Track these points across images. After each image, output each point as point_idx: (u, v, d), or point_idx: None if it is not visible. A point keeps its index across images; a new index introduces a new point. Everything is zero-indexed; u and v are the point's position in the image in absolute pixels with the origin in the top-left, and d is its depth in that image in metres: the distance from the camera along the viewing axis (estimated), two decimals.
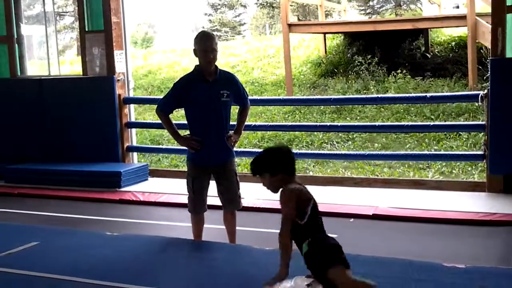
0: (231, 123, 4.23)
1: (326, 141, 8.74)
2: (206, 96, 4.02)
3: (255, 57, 14.65)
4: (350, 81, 10.97)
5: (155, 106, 4.40)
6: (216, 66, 4.10)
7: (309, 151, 7.27)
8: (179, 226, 5.08)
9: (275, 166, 2.95)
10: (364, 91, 10.25)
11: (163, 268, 3.46)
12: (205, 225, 4.33)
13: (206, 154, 4.07)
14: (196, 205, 4.20)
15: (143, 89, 12.91)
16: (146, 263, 3.54)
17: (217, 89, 4.04)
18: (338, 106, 9.51)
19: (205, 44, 4.01)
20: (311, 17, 23.38)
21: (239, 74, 12.49)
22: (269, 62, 14.05)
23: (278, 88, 11.87)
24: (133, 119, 7.47)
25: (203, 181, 4.15)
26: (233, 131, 4.24)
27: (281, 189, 2.93)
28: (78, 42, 7.42)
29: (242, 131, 4.38)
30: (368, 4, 24.76)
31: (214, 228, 4.60)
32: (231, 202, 4.21)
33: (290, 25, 11.32)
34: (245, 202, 4.36)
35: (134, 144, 7.47)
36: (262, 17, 30.60)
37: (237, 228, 4.33)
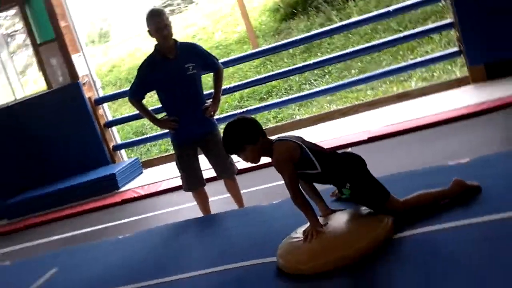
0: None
1: (304, 82, 8.69)
2: (171, 74, 3.94)
3: (212, 21, 14.43)
4: (311, 18, 10.83)
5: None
6: (174, 41, 4.00)
7: (290, 97, 7.19)
8: (186, 207, 5.07)
9: (252, 134, 2.74)
10: (328, 23, 10.13)
11: (181, 253, 3.45)
12: (211, 198, 4.33)
13: (184, 130, 4.04)
14: (189, 182, 4.19)
15: (112, 85, 12.73)
16: (164, 254, 3.52)
17: (180, 64, 3.95)
18: (307, 44, 9.39)
19: (156, 21, 3.91)
20: None
21: (201, 42, 12.28)
22: (227, 22, 13.84)
23: (243, 45, 11.73)
24: (110, 118, 7.37)
25: (190, 156, 4.12)
26: (210, 100, 4.17)
27: (272, 156, 2.75)
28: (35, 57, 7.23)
29: (220, 96, 4.24)
30: None
31: (221, 198, 4.59)
32: (224, 170, 4.19)
33: None
34: (240, 165, 4.33)
35: (119, 141, 7.40)
36: None
37: (242, 191, 4.33)
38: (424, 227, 2.52)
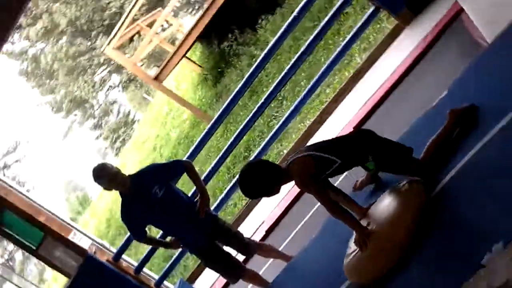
0: None
1: (269, 119, 8.80)
2: (146, 208, 3.98)
3: (160, 125, 14.63)
4: (238, 65, 11.06)
5: None
6: (129, 177, 4.00)
7: (267, 138, 7.22)
8: None
9: (275, 173, 2.81)
10: (253, 60, 10.37)
11: None
12: (260, 271, 4.35)
13: (192, 240, 4.12)
14: (231, 273, 4.22)
15: (118, 234, 12.70)
16: None
17: (146, 193, 3.94)
18: (251, 88, 9.55)
19: (104, 180, 3.98)
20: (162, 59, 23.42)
21: (164, 149, 12.44)
22: (172, 118, 14.05)
23: (199, 126, 11.89)
24: (135, 264, 7.30)
25: (215, 255, 4.14)
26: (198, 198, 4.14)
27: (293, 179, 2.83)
28: None
29: (204, 188, 4.23)
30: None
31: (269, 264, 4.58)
32: (247, 248, 4.24)
33: (156, 78, 11.31)
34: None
35: (156, 277, 7.30)
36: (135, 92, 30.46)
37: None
38: (449, 173, 2.57)
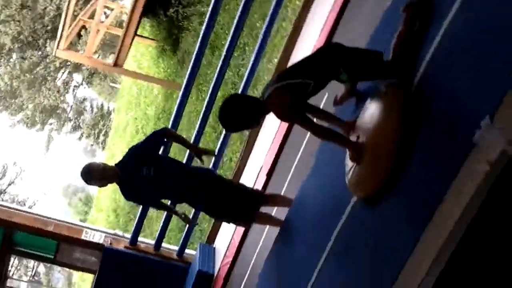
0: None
1: (240, 66, 8.82)
2: (144, 188, 4.06)
3: (135, 111, 14.57)
4: (190, 26, 10.91)
5: None
6: (115, 170, 4.02)
7: (243, 82, 7.22)
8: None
9: (251, 114, 2.87)
10: (204, 17, 10.27)
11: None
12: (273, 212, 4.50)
13: (197, 201, 4.22)
14: (245, 218, 4.31)
15: (130, 219, 12.86)
16: None
17: (138, 177, 3.99)
18: (211, 45, 9.51)
19: (94, 181, 4.04)
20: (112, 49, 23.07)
21: (147, 128, 12.46)
22: (145, 97, 14.00)
23: (171, 95, 11.88)
24: (152, 242, 7.48)
25: (223, 208, 4.20)
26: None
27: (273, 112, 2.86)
28: None
29: (190, 143, 4.45)
30: None
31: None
32: (255, 197, 4.32)
33: (116, 64, 11.18)
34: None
35: (176, 248, 7.48)
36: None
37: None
38: (423, 62, 2.57)
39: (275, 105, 2.80)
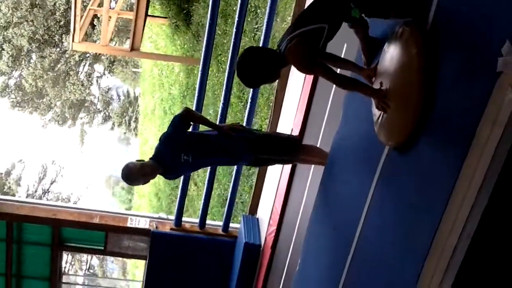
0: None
1: (255, 30, 8.66)
2: (188, 170, 4.31)
3: (160, 92, 14.56)
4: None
5: None
6: (153, 165, 3.92)
7: (260, 44, 7.15)
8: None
9: (270, 67, 2.80)
10: None
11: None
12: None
13: (239, 161, 4.24)
14: (291, 147, 4.24)
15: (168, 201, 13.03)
16: None
17: (179, 165, 3.96)
18: (223, 13, 9.37)
19: (136, 182, 3.96)
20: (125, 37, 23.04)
21: (175, 107, 12.45)
22: (166, 77, 13.95)
23: (192, 71, 11.81)
24: (193, 220, 7.51)
25: (264, 157, 4.18)
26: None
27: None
28: None
29: (211, 122, 4.25)
30: None
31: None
32: (292, 144, 4.27)
33: (132, 49, 11.11)
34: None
35: (220, 223, 7.50)
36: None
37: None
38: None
39: (294, 55, 2.72)
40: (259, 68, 2.81)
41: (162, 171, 3.98)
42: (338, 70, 3.03)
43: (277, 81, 5.58)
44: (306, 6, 6.23)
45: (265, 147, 4.05)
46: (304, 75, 5.43)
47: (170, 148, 3.95)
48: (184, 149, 3.92)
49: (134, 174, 3.86)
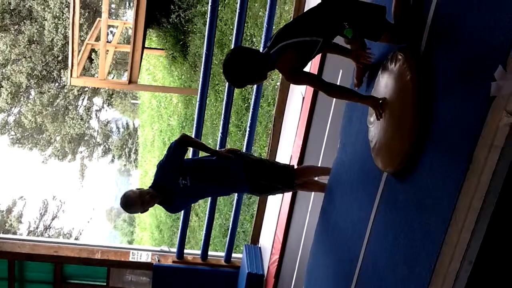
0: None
1: None
2: (187, 197, 4.11)
3: (159, 123, 14.58)
4: (194, 29, 10.86)
5: None
6: (152, 193, 3.93)
7: None
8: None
9: (256, 65, 2.76)
10: (206, 16, 10.19)
11: None
12: None
13: (238, 189, 4.33)
14: (286, 185, 4.16)
15: (172, 230, 12.94)
16: None
17: (178, 190, 3.95)
18: (218, 43, 9.45)
19: (135, 209, 3.98)
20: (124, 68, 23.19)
21: (173, 135, 12.46)
22: (165, 108, 13.99)
23: (190, 102, 11.86)
24: (197, 253, 7.44)
25: (262, 183, 4.09)
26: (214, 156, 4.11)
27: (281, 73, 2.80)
28: None
29: (207, 147, 4.22)
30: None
31: None
32: (289, 172, 4.18)
33: (130, 82, 11.16)
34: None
35: (223, 254, 7.43)
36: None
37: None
38: (428, 17, 2.50)
39: (284, 65, 2.71)
40: (245, 67, 2.78)
41: (162, 200, 3.98)
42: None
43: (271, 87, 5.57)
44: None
45: (260, 172, 4.03)
46: (301, 99, 5.45)
47: (168, 173, 3.95)
48: (181, 173, 3.91)
49: (133, 202, 3.86)
